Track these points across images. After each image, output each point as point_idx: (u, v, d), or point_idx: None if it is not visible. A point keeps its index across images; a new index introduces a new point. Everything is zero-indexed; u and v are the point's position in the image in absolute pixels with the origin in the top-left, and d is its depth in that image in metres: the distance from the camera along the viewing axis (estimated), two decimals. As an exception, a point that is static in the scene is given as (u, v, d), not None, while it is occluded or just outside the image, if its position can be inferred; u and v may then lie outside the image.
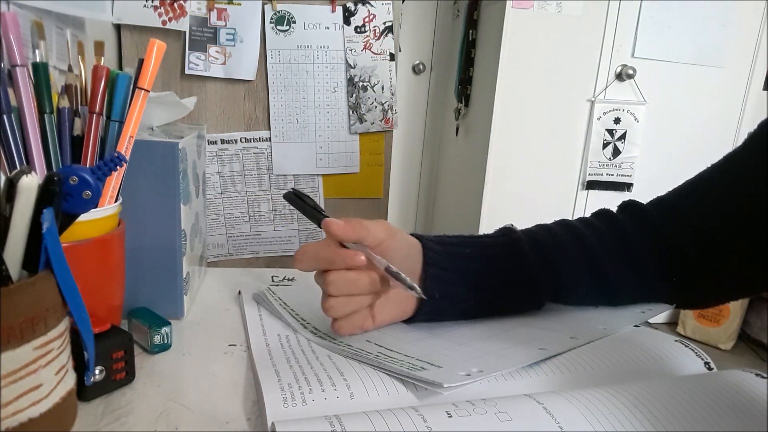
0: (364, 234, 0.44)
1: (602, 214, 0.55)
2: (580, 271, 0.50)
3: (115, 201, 0.43)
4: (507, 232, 0.52)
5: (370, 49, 1.07)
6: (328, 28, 1.04)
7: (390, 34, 1.07)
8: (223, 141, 1.06)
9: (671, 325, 2.15)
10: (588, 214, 0.56)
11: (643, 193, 0.58)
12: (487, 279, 0.49)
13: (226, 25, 0.99)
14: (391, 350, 0.43)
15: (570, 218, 0.55)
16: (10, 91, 0.38)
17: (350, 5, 1.04)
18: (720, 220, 0.50)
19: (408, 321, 0.50)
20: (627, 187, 1.83)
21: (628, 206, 0.54)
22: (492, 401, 0.34)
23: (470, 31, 1.87)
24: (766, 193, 0.47)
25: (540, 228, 0.53)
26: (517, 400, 0.35)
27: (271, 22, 1.01)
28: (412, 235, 0.50)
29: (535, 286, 0.49)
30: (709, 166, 0.53)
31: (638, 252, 0.51)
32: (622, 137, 1.79)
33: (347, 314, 0.45)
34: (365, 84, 1.08)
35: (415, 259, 0.48)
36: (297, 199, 0.49)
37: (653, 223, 0.52)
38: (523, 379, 0.40)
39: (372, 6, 1.05)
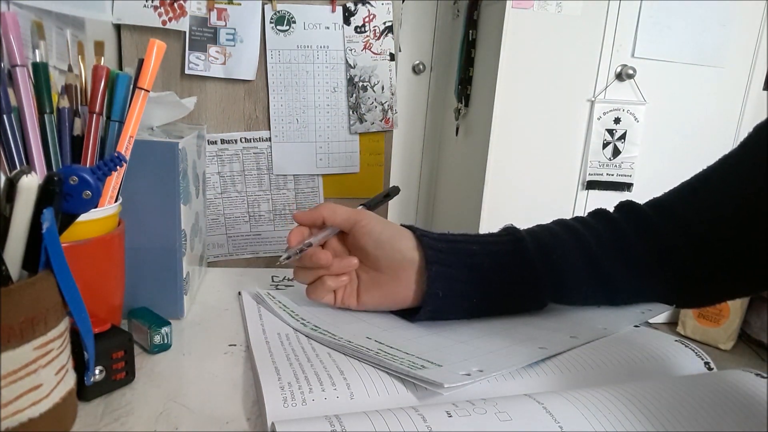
0: (325, 215, 0.50)
1: (599, 214, 0.55)
2: (580, 271, 0.50)
3: (115, 201, 0.43)
4: (510, 231, 0.52)
5: (370, 49, 1.06)
6: (328, 28, 1.04)
7: (390, 34, 1.07)
8: (223, 141, 1.06)
9: (671, 325, 2.15)
10: (586, 214, 0.56)
11: (643, 193, 0.58)
12: (493, 275, 0.49)
13: (226, 25, 0.99)
14: (392, 347, 0.43)
15: (568, 218, 0.55)
16: (10, 91, 0.38)
17: (350, 5, 1.04)
18: (715, 222, 0.50)
19: (411, 319, 0.50)
20: (627, 187, 1.83)
21: (625, 206, 0.55)
22: (492, 401, 0.34)
23: (470, 31, 1.87)
24: (761, 195, 0.47)
25: (540, 228, 0.53)
26: (517, 400, 0.35)
27: (271, 22, 1.01)
28: (405, 226, 0.51)
29: (539, 285, 0.50)
30: (705, 167, 0.53)
31: (635, 251, 0.51)
32: (622, 137, 1.79)
33: (311, 282, 0.52)
34: (365, 84, 1.07)
35: (402, 245, 0.49)
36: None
37: (649, 223, 0.52)
38: (523, 379, 0.40)
39: (372, 6, 1.05)
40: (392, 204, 2.23)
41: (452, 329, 0.48)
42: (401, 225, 0.52)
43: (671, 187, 0.55)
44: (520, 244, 0.50)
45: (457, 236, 0.52)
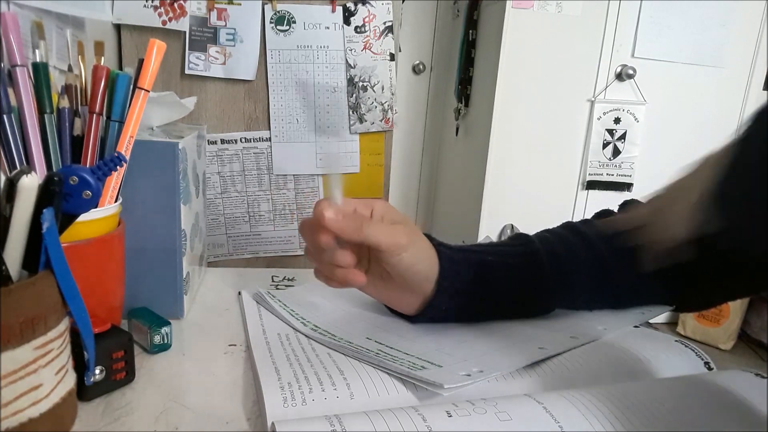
0: (353, 238, 0.43)
1: (604, 215, 0.55)
2: (590, 280, 0.50)
3: (115, 201, 0.43)
4: (525, 242, 0.51)
5: (370, 49, 1.06)
6: (328, 28, 1.04)
7: (390, 34, 1.07)
8: (223, 141, 1.06)
9: (671, 325, 2.15)
10: (588, 215, 0.56)
11: (643, 193, 0.58)
12: (504, 287, 0.48)
13: (226, 25, 0.99)
14: (392, 348, 0.43)
15: (571, 219, 0.55)
16: (10, 91, 0.38)
17: (350, 5, 1.04)
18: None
19: (410, 320, 0.50)
20: (627, 187, 1.83)
21: (629, 206, 0.55)
22: (492, 401, 0.34)
23: (470, 31, 1.87)
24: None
25: (553, 236, 0.52)
26: (517, 400, 0.35)
27: (271, 22, 1.01)
28: (428, 236, 0.49)
29: (548, 296, 0.49)
30: None
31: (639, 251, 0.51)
32: (622, 137, 1.78)
33: (321, 263, 0.46)
34: (365, 84, 1.07)
35: (425, 281, 0.46)
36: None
37: None
38: (523, 378, 0.40)
39: (372, 6, 1.05)
40: (393, 204, 2.23)
41: (452, 330, 0.48)
42: (427, 236, 0.48)
43: None
44: (534, 257, 0.49)
45: (473, 246, 0.50)
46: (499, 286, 0.48)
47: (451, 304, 0.47)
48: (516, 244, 0.52)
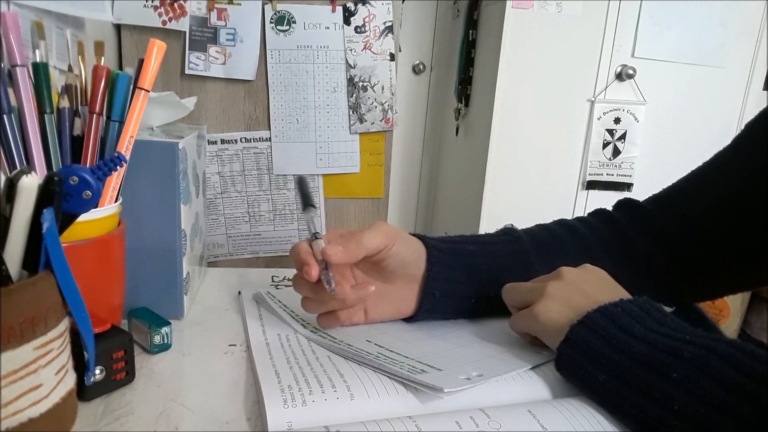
0: (360, 254, 0.45)
1: (599, 213, 0.56)
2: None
3: (115, 201, 0.43)
4: (509, 231, 0.53)
5: (370, 49, 1.06)
6: (328, 28, 1.04)
7: (390, 34, 1.07)
8: (223, 141, 1.06)
9: (671, 325, 2.15)
10: (586, 214, 0.57)
11: (643, 194, 0.58)
12: (490, 275, 0.49)
13: (226, 25, 0.99)
14: (392, 351, 0.43)
15: (569, 218, 0.56)
16: (10, 91, 0.38)
17: (350, 5, 1.04)
18: (712, 215, 0.51)
19: (408, 319, 0.50)
20: (627, 187, 1.82)
21: (624, 204, 0.56)
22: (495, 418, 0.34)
23: (470, 31, 1.87)
24: (751, 188, 0.48)
25: (540, 227, 0.53)
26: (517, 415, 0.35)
27: (271, 22, 1.01)
28: (413, 235, 0.50)
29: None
30: (702, 163, 0.55)
31: (635, 246, 0.52)
32: (622, 137, 1.78)
33: (322, 311, 0.47)
34: (365, 84, 1.07)
35: (419, 260, 0.48)
36: (301, 184, 0.53)
37: (648, 216, 0.53)
38: (524, 380, 0.40)
39: (372, 6, 1.05)
40: (393, 204, 2.23)
41: (452, 332, 0.48)
42: (411, 234, 0.50)
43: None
44: (517, 244, 0.50)
45: (456, 237, 0.52)
46: (484, 273, 0.49)
47: (443, 291, 0.48)
48: (499, 234, 0.53)
